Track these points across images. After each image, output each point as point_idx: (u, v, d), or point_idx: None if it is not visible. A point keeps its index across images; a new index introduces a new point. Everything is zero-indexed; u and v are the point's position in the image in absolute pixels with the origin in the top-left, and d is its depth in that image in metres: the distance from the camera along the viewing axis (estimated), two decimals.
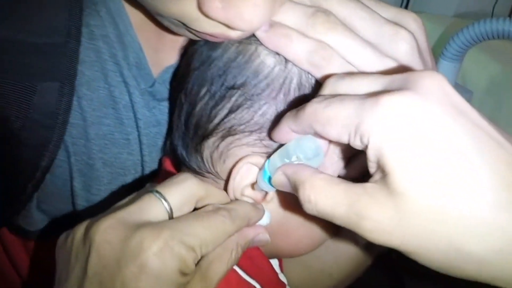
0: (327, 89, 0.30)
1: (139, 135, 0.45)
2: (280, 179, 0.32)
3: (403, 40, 0.35)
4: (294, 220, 0.34)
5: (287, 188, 0.32)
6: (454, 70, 0.88)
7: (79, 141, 0.44)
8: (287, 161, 0.32)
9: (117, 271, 0.29)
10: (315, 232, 0.41)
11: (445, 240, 0.24)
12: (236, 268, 0.38)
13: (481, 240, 0.24)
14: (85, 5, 0.41)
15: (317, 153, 0.31)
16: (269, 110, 0.36)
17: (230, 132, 0.37)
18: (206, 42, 0.38)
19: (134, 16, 0.44)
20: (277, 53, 0.36)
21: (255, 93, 0.36)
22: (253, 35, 0.36)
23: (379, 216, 0.25)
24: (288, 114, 0.31)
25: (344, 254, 0.55)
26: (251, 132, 0.37)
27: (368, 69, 0.34)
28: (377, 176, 0.26)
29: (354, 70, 0.34)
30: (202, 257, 0.32)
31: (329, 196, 0.28)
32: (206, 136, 0.38)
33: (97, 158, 0.45)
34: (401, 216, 0.25)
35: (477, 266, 0.24)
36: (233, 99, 0.37)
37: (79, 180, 0.45)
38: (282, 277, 0.45)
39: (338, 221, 0.28)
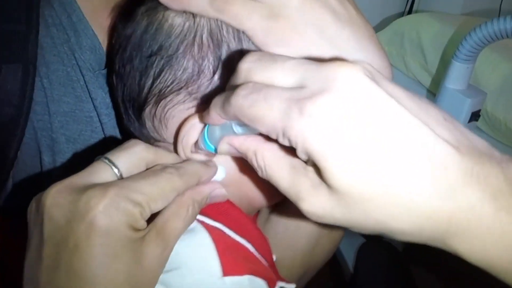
0: (241, 77, 0.31)
1: (98, 115, 0.48)
2: (225, 148, 0.34)
3: None
4: (250, 166, 0.33)
5: (234, 155, 0.34)
6: (467, 72, 0.86)
7: (44, 117, 0.46)
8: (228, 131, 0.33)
9: (69, 232, 0.30)
10: None
11: (375, 222, 0.27)
12: (225, 229, 0.38)
13: (405, 221, 0.27)
14: None
15: None
16: (189, 64, 0.38)
17: (160, 97, 0.39)
18: (121, 22, 0.42)
19: (86, 6, 0.47)
20: (184, 12, 0.38)
21: (171, 53, 0.38)
22: (160, 5, 0.38)
23: (315, 202, 0.28)
24: (215, 101, 0.32)
25: None
26: (179, 89, 0.38)
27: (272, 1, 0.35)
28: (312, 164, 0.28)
29: (257, 5, 0.35)
30: (158, 214, 0.33)
31: (275, 169, 0.31)
32: (142, 107, 0.40)
33: (60, 133, 0.47)
34: (335, 204, 0.27)
35: (408, 238, 0.28)
36: (154, 65, 0.39)
37: (48, 154, 0.47)
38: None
39: (282, 192, 0.30)
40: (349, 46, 0.36)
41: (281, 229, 0.53)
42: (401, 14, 1.56)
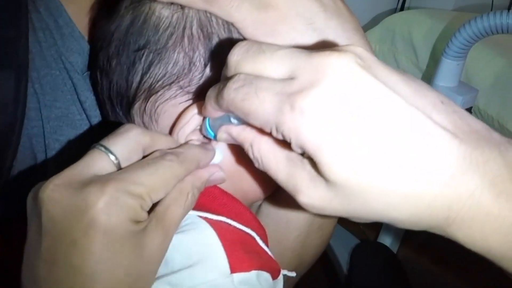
0: (231, 70, 0.31)
1: (87, 117, 0.47)
2: (224, 137, 0.34)
3: None
4: (246, 156, 0.33)
5: (233, 142, 0.34)
6: (458, 69, 0.85)
7: (38, 122, 0.45)
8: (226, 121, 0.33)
9: (67, 228, 0.29)
10: None
11: (373, 211, 0.27)
12: (229, 220, 0.38)
13: (405, 210, 0.27)
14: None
15: None
16: (179, 57, 0.37)
17: (151, 92, 0.38)
18: (103, 17, 0.40)
19: (72, 8, 0.46)
20: (172, 3, 0.37)
21: (160, 47, 0.37)
22: None
23: (313, 194, 0.28)
24: (209, 94, 0.32)
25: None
26: (170, 84, 0.38)
27: None
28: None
29: None
30: (158, 203, 0.32)
31: (272, 161, 0.30)
32: (131, 103, 0.40)
33: (53, 139, 0.46)
34: (333, 196, 0.27)
35: (408, 226, 0.28)
36: (143, 59, 0.38)
37: (42, 160, 0.46)
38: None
39: (279, 184, 0.30)
40: (336, 37, 0.36)
41: (271, 223, 0.52)
42: (393, 11, 1.55)
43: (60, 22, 0.46)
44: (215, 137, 0.35)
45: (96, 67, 0.42)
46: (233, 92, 0.29)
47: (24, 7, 0.42)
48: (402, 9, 1.54)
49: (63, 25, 0.46)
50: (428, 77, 1.02)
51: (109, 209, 0.29)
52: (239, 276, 0.35)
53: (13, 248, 0.49)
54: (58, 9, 0.46)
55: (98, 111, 0.47)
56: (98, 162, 0.32)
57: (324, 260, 1.22)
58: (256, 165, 0.32)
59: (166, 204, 0.32)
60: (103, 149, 0.32)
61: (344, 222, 0.61)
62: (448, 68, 0.84)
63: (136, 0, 0.38)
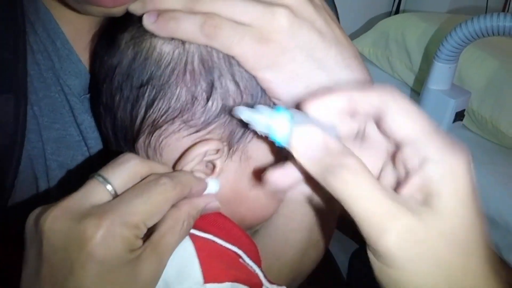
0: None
1: (84, 139, 0.48)
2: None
3: None
4: (246, 184, 0.36)
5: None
6: (450, 72, 0.85)
7: (38, 144, 0.46)
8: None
9: (66, 257, 0.31)
10: (267, 192, 0.42)
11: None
12: (213, 237, 0.38)
13: None
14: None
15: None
16: (182, 92, 0.38)
17: (155, 127, 0.39)
18: (105, 49, 0.41)
19: (69, 29, 0.47)
20: (173, 38, 0.37)
21: (163, 82, 0.38)
22: (146, 32, 0.38)
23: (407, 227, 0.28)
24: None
25: (299, 220, 0.53)
26: (173, 119, 0.38)
27: (260, 22, 0.36)
28: (418, 196, 0.29)
29: (247, 29, 0.36)
30: (154, 229, 0.33)
31: (366, 191, 0.29)
32: (135, 138, 0.40)
33: (52, 160, 0.47)
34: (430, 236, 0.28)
35: None
36: (146, 95, 0.38)
37: (44, 181, 0.47)
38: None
39: (362, 225, 0.29)
40: (335, 65, 0.37)
41: (270, 242, 0.52)
42: (388, 14, 1.55)
43: (57, 44, 0.46)
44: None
45: (99, 102, 0.42)
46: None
47: (22, 29, 0.43)
48: (397, 12, 1.55)
49: (60, 47, 0.46)
50: (422, 80, 1.02)
51: (106, 241, 0.31)
52: (212, 286, 0.36)
53: (12, 252, 0.49)
54: (56, 31, 0.46)
55: (95, 134, 0.48)
56: (95, 193, 0.33)
57: (323, 265, 1.21)
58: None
59: (162, 232, 0.33)
60: (101, 179, 0.33)
61: (342, 228, 0.61)
62: (440, 71, 0.85)
63: (136, 35, 0.39)
